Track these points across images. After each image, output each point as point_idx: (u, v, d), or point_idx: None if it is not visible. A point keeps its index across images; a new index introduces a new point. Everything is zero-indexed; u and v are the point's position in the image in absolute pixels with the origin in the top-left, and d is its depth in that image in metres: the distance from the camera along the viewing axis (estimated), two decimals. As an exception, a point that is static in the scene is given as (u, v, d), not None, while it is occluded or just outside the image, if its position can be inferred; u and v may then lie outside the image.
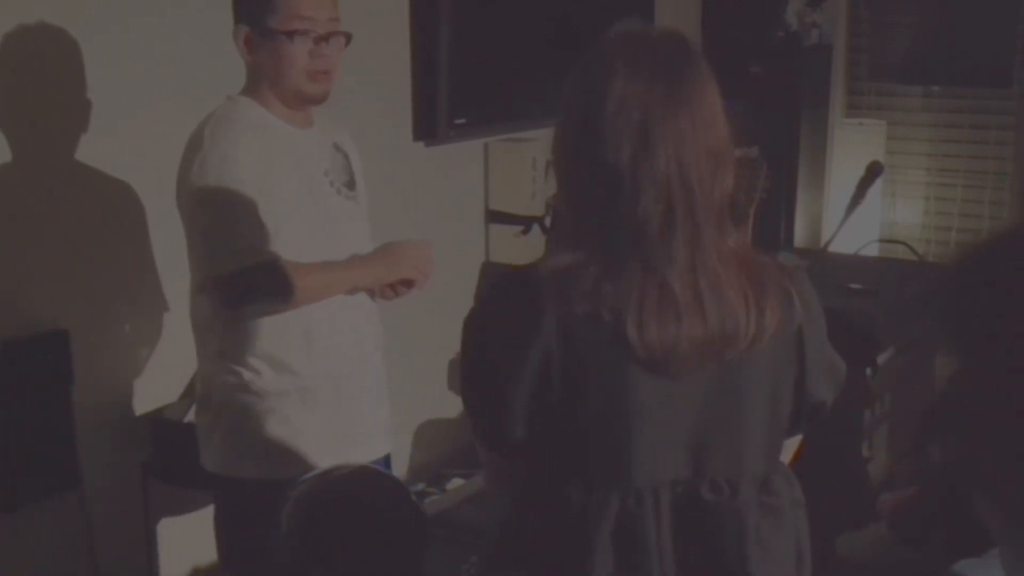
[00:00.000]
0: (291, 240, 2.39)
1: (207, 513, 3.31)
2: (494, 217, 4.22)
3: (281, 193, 2.38)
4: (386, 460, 2.67)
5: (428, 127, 3.89)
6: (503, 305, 1.58)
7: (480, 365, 1.59)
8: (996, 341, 0.85)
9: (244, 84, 2.46)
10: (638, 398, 1.52)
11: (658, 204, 1.50)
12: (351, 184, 2.57)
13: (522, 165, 4.17)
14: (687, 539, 1.56)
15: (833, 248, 3.27)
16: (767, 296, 1.55)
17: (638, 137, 1.50)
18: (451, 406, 2.29)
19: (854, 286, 3.58)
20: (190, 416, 3.05)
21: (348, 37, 2.43)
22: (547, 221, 3.91)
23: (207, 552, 3.32)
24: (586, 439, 1.54)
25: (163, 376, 3.17)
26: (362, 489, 2.10)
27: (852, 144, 5.53)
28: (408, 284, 2.53)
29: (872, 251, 4.52)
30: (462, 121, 3.95)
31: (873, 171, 3.17)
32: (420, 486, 3.29)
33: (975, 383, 0.87)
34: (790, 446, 1.74)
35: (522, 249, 3.99)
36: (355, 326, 2.51)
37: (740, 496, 1.57)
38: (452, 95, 3.88)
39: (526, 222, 4.10)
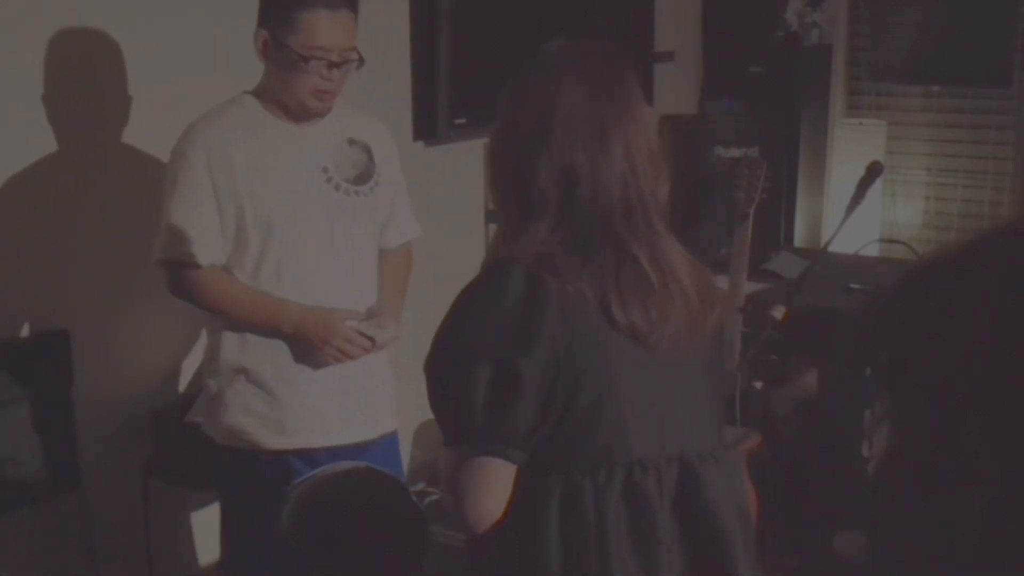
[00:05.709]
0: (284, 236, 2.48)
1: (207, 513, 3.32)
2: (494, 217, 4.22)
3: (270, 189, 2.47)
4: (393, 438, 2.72)
5: (428, 127, 3.89)
6: (506, 296, 1.58)
7: (490, 363, 1.57)
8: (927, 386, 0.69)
9: (261, 79, 2.56)
10: (626, 373, 1.61)
11: (618, 203, 1.62)
12: (362, 179, 2.59)
13: (522, 165, 4.17)
14: (681, 508, 1.64)
15: (833, 248, 3.27)
16: (711, 289, 1.70)
17: (594, 139, 1.61)
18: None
19: (854, 286, 3.58)
20: (191, 416, 3.05)
21: (360, 62, 2.51)
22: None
23: (207, 552, 3.32)
24: (591, 416, 1.59)
25: (163, 376, 3.17)
26: (362, 489, 2.10)
27: (852, 144, 5.52)
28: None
29: (872, 251, 4.52)
30: (462, 121, 3.95)
31: (873, 171, 3.17)
32: (420, 486, 3.29)
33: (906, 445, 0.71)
34: None
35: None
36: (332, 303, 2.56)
37: (718, 463, 1.68)
38: (452, 95, 3.88)
39: (526, 222, 4.09)
